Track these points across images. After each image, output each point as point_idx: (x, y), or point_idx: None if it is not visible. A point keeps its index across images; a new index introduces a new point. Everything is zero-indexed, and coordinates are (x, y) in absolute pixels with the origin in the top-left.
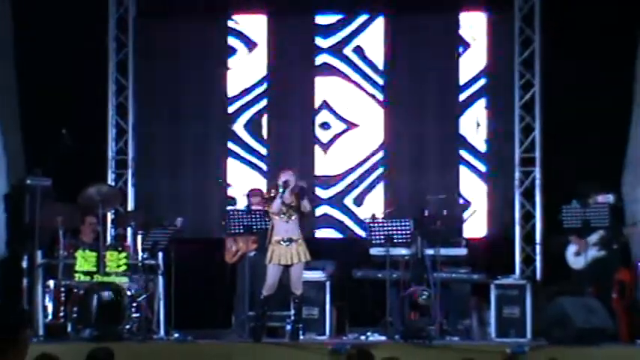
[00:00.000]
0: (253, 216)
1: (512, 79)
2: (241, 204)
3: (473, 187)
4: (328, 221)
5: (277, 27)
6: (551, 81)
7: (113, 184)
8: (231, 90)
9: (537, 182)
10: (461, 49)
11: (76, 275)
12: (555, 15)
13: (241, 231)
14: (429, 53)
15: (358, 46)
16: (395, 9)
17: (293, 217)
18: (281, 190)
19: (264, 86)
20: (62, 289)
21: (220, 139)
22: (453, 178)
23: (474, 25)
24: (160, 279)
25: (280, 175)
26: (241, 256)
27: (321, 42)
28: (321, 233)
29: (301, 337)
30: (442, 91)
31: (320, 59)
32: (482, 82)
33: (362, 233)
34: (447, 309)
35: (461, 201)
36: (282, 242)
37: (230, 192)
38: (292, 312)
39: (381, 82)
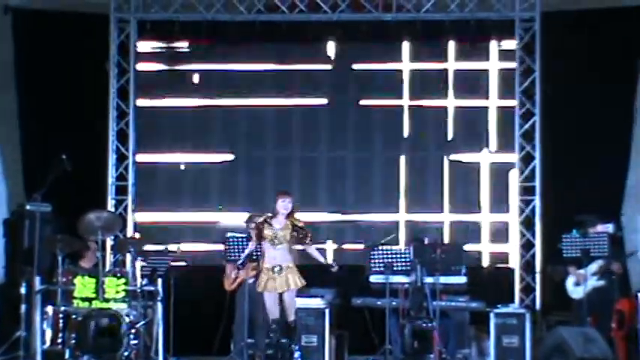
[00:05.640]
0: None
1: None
2: None
3: None
4: None
5: None
6: (551, 110)
7: (113, 210)
8: None
9: (537, 211)
10: None
11: (75, 301)
12: (556, 44)
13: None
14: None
15: None
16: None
17: (281, 245)
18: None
19: None
20: (60, 315)
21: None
22: None
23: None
24: (159, 305)
25: (279, 199)
26: (240, 283)
27: None
28: None
29: None
30: None
31: None
32: None
33: None
34: (447, 338)
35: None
36: (272, 270)
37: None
38: (286, 339)
39: None
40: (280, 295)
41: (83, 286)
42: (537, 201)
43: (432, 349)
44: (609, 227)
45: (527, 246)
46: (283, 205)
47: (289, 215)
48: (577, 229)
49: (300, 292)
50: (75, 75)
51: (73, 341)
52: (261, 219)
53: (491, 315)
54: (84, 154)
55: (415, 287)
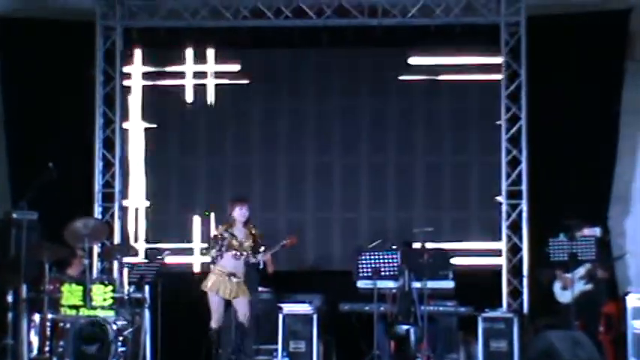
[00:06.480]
0: None
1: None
2: None
3: None
4: None
5: None
6: (537, 114)
7: (100, 217)
8: None
9: (524, 215)
10: None
11: (62, 309)
12: (541, 48)
13: None
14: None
15: None
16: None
17: (243, 256)
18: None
19: None
20: (48, 323)
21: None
22: None
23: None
24: (147, 312)
25: (236, 207)
26: None
27: None
28: None
29: None
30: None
31: None
32: None
33: None
34: (435, 342)
35: None
36: (227, 276)
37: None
38: (238, 342)
39: None
40: (229, 302)
41: (70, 293)
42: (524, 205)
43: (420, 355)
44: (596, 231)
45: (514, 250)
46: (241, 212)
47: (246, 223)
48: (564, 233)
49: (287, 299)
50: (61, 83)
51: (61, 349)
52: (220, 230)
53: (479, 319)
54: (70, 162)
55: (403, 292)
